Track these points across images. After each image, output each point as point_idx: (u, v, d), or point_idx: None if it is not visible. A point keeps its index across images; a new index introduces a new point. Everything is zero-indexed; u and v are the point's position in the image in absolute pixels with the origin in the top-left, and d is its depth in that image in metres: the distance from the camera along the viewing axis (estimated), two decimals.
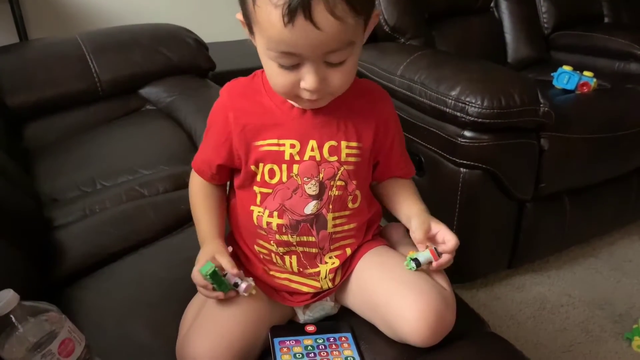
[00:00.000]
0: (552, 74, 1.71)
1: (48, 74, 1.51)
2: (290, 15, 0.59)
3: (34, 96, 1.49)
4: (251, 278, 0.75)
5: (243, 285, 0.73)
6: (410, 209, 0.82)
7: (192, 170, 0.83)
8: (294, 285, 0.81)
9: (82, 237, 1.03)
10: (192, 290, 0.83)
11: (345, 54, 0.66)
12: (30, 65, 1.52)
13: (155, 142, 1.43)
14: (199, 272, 0.71)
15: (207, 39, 1.78)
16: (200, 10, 2.34)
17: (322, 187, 0.75)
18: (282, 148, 0.74)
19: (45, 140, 1.46)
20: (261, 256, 0.81)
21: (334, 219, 0.77)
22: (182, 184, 1.18)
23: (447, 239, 0.77)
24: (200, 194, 0.83)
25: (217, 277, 0.71)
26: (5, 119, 1.43)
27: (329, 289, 0.81)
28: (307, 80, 0.66)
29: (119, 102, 1.59)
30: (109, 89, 1.56)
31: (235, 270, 0.73)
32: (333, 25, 0.61)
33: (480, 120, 1.27)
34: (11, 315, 0.61)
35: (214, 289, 0.72)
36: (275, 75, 0.68)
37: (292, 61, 0.65)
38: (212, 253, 0.75)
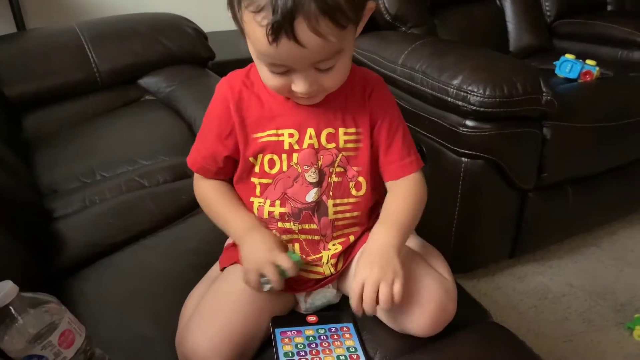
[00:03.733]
0: (554, 63, 1.70)
1: (46, 64, 1.49)
2: (273, 35, 0.60)
3: (32, 87, 1.48)
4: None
5: (267, 286, 0.73)
6: (374, 229, 0.76)
7: (195, 175, 0.82)
8: None
9: (82, 228, 1.02)
10: (192, 280, 0.83)
11: (334, 61, 0.66)
12: (29, 56, 1.51)
13: (155, 132, 1.42)
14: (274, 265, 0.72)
15: (206, 28, 1.76)
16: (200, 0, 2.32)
17: (321, 174, 0.76)
18: (281, 138, 0.75)
19: (44, 131, 1.45)
20: None
21: (335, 205, 0.77)
22: (182, 175, 1.18)
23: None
24: (211, 194, 0.81)
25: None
26: (4, 109, 1.42)
27: (332, 274, 0.80)
28: (298, 85, 0.67)
29: (118, 92, 1.58)
30: (108, 79, 1.55)
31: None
32: (317, 42, 0.61)
33: (482, 109, 1.26)
34: (10, 307, 0.60)
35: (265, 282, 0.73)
36: (267, 78, 0.69)
37: (282, 69, 0.66)
38: (270, 246, 0.74)
